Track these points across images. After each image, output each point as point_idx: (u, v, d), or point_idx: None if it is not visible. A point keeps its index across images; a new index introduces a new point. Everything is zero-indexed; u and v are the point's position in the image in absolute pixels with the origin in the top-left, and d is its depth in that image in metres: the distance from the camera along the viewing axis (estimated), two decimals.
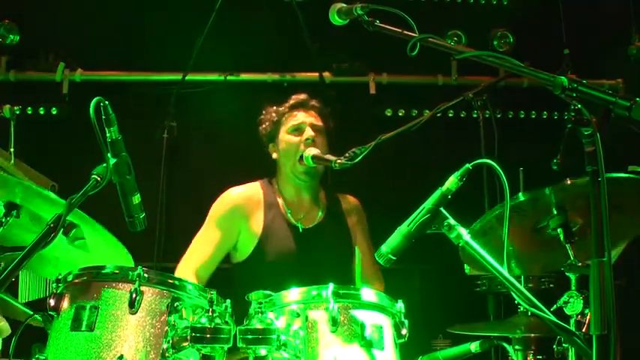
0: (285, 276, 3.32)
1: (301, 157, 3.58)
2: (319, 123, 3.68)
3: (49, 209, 2.61)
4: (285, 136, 3.67)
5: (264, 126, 3.76)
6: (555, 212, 2.77)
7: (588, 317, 2.61)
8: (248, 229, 3.60)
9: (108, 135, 2.32)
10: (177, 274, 3.49)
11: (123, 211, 2.41)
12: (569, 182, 2.62)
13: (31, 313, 2.71)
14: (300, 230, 3.62)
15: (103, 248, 2.79)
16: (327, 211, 3.74)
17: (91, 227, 2.69)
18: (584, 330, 2.61)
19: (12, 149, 3.92)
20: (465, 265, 3.42)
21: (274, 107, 3.76)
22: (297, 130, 3.65)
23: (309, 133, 3.61)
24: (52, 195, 2.61)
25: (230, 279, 3.64)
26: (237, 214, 3.62)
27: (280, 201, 3.67)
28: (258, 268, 3.56)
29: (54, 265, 2.93)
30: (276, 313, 2.45)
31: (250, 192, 3.70)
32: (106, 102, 2.29)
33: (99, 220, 2.69)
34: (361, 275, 3.72)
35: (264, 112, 3.79)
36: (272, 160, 3.75)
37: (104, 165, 2.33)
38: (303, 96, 3.75)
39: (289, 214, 3.64)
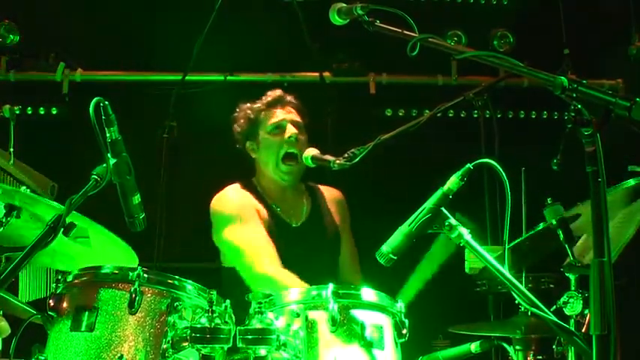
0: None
1: (284, 156, 3.55)
2: (298, 119, 3.65)
3: (49, 211, 2.61)
4: (265, 136, 3.63)
5: (239, 124, 3.70)
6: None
7: (588, 317, 2.61)
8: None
9: (108, 135, 2.31)
10: (278, 277, 3.30)
11: (123, 211, 2.41)
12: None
13: (34, 312, 2.71)
14: (293, 227, 3.61)
15: (106, 246, 2.79)
16: (312, 205, 3.72)
17: (97, 231, 2.69)
18: (583, 330, 2.61)
19: (12, 149, 3.91)
20: (466, 264, 3.42)
21: (248, 104, 3.70)
22: (278, 127, 3.61)
23: (291, 130, 3.58)
24: (52, 202, 2.61)
25: (226, 279, 3.61)
26: (249, 204, 3.57)
27: (267, 200, 3.63)
28: None
29: (50, 256, 2.92)
30: (276, 313, 2.44)
31: (238, 191, 3.64)
32: (106, 102, 2.29)
33: (99, 221, 2.69)
34: (343, 266, 3.69)
35: (237, 110, 3.73)
36: (251, 158, 3.71)
37: (104, 165, 2.33)
38: (278, 92, 3.71)
39: (280, 213, 3.62)
